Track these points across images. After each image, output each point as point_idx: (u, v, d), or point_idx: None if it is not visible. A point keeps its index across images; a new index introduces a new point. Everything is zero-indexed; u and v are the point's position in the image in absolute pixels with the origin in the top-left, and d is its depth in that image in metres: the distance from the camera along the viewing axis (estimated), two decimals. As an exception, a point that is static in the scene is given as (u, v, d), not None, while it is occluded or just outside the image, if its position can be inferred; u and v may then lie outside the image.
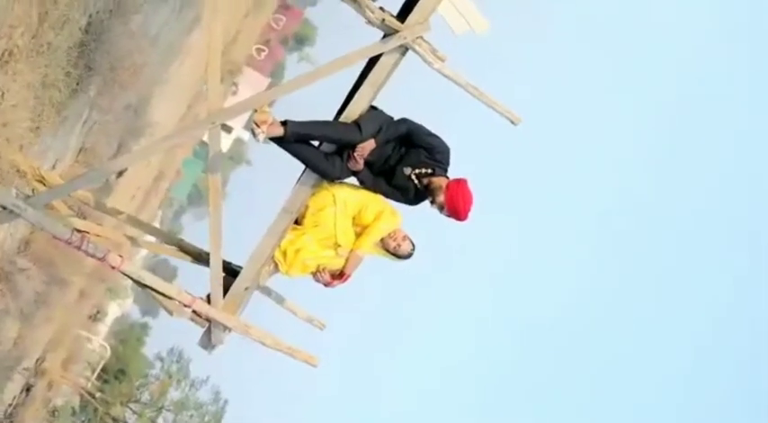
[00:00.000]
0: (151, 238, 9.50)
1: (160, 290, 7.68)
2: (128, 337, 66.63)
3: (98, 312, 44.34)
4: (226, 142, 78.68)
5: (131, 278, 7.70)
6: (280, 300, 8.78)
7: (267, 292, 8.57)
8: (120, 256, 7.66)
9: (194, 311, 7.76)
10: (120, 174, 20.60)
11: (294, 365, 8.09)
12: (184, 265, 8.91)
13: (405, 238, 8.07)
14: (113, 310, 60.28)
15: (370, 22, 7.35)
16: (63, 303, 20.38)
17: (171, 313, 7.70)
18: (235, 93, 55.78)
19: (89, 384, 43.07)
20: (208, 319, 7.78)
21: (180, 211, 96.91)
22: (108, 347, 46.48)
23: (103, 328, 56.61)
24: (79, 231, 7.84)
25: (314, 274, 8.03)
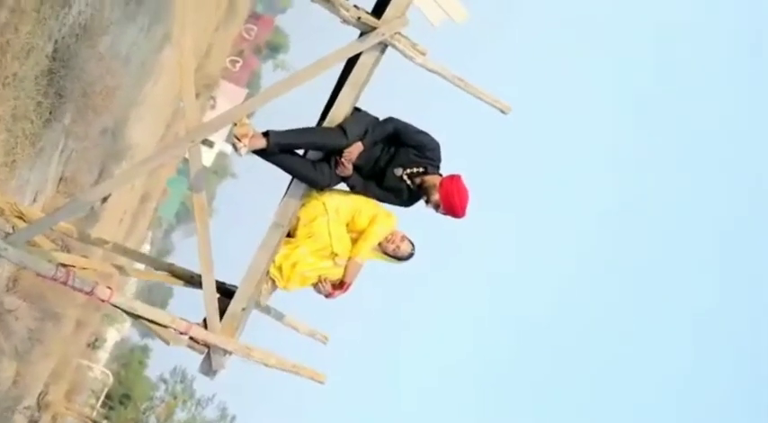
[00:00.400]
0: (140, 266, 9.19)
1: (154, 319, 7.38)
2: (129, 361, 66.35)
3: (96, 340, 44.01)
4: (209, 157, 78.41)
5: (122, 310, 7.39)
6: (279, 316, 8.53)
7: (266, 309, 8.31)
8: (109, 288, 7.36)
9: (191, 338, 7.46)
10: (104, 200, 20.23)
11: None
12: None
13: (403, 238, 7.82)
14: (112, 336, 59.89)
15: (345, 20, 7.08)
16: (59, 336, 20.07)
17: (168, 342, 7.40)
18: (213, 107, 55.50)
19: (94, 413, 42.77)
20: (206, 345, 7.49)
21: (169, 229, 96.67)
22: (110, 374, 46.19)
23: (104, 354, 56.26)
24: (64, 266, 7.55)
25: (315, 286, 7.76)
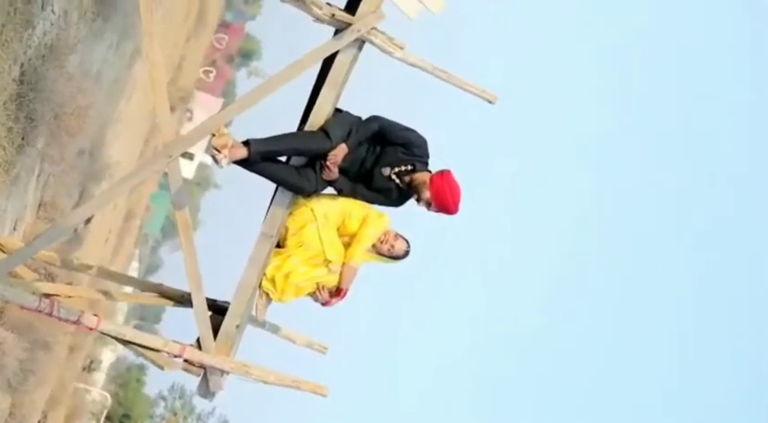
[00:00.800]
0: (128, 288, 8.92)
1: (145, 344, 7.10)
2: (126, 380, 65.95)
3: (92, 362, 43.60)
4: (190, 169, 78.12)
5: (111, 337, 7.11)
6: (275, 329, 8.27)
7: (260, 323, 8.03)
8: (96, 316, 7.08)
9: (186, 360, 7.19)
10: (87, 221, 19.96)
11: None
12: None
13: (396, 237, 7.59)
14: (107, 357, 59.45)
15: (318, 19, 6.82)
16: (53, 363, 19.75)
17: (162, 368, 7.13)
18: (190, 118, 55.27)
19: (96, 436, 42.44)
20: (202, 366, 7.21)
21: (156, 245, 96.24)
22: (108, 396, 45.84)
23: (100, 376, 55.84)
24: (48, 296, 7.27)
25: (312, 294, 7.51)
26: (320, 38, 7.10)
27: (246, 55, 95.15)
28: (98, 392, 45.53)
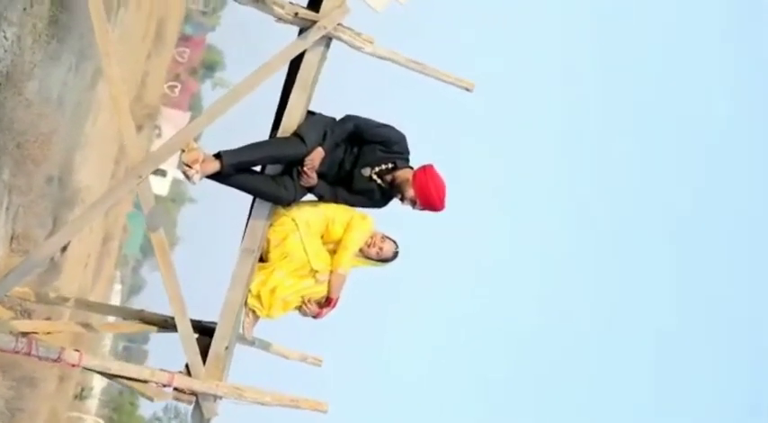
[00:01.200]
0: (110, 318, 8.58)
1: (132, 376, 6.77)
2: (120, 404, 65.39)
3: (83, 389, 43.14)
4: (163, 186, 77.65)
5: (97, 372, 6.78)
6: (265, 346, 7.99)
7: (250, 341, 7.71)
8: (78, 351, 6.75)
9: (176, 389, 6.86)
10: (63, 249, 19.62)
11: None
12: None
13: (383, 239, 7.32)
14: (99, 383, 58.91)
15: (281, 19, 6.52)
16: (42, 397, 19.38)
17: (151, 399, 6.80)
18: (159, 135, 54.77)
19: (94, 463, 42.03)
20: (194, 393, 6.88)
21: (137, 265, 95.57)
22: (102, 422, 45.41)
23: (93, 402, 55.34)
24: (26, 334, 6.94)
25: (300, 309, 7.19)
26: (285, 39, 6.81)
27: (210, 66, 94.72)
28: (92, 419, 45.11)
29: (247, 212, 7.13)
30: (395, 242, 7.34)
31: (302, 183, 6.86)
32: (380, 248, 7.24)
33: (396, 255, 7.36)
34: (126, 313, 8.19)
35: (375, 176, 7.09)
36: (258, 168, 6.90)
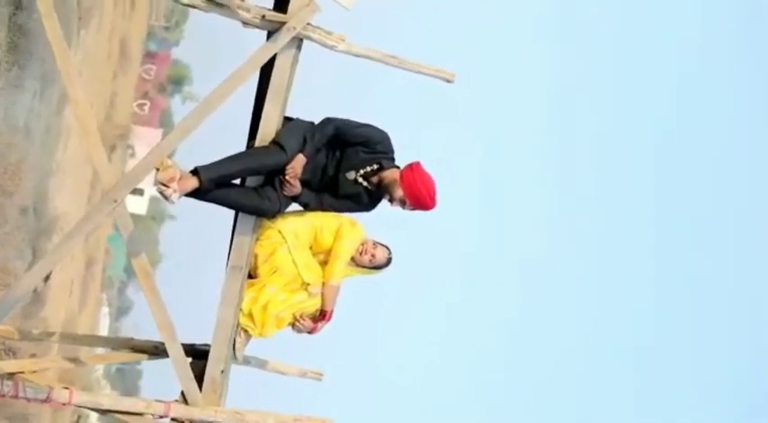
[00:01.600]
0: (99, 349, 8.27)
1: (125, 410, 6.47)
2: (119, 428, 65.00)
3: (79, 417, 42.74)
4: (142, 205, 77.09)
5: (89, 408, 6.48)
6: (262, 364, 7.70)
7: (245, 360, 7.42)
8: (68, 388, 6.44)
9: (174, 419, 6.57)
10: (46, 279, 19.29)
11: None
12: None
13: (375, 245, 7.05)
14: (95, 409, 58.52)
15: (247, 23, 6.24)
16: (38, 430, 19.04)
17: (148, 432, 6.50)
18: (133, 155, 54.35)
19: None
20: (192, 422, 6.58)
21: (122, 286, 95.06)
22: (102, 448, 44.99)
23: (91, 427, 54.95)
24: (11, 375, 6.64)
25: (293, 325, 6.90)
26: (253, 45, 6.52)
27: (177, 81, 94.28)
28: (92, 447, 44.68)
29: (231, 225, 6.85)
30: (387, 248, 7.08)
31: (286, 192, 6.58)
32: (373, 255, 6.97)
33: (389, 261, 7.10)
34: (114, 343, 7.90)
35: (361, 179, 6.82)
36: (238, 181, 6.62)
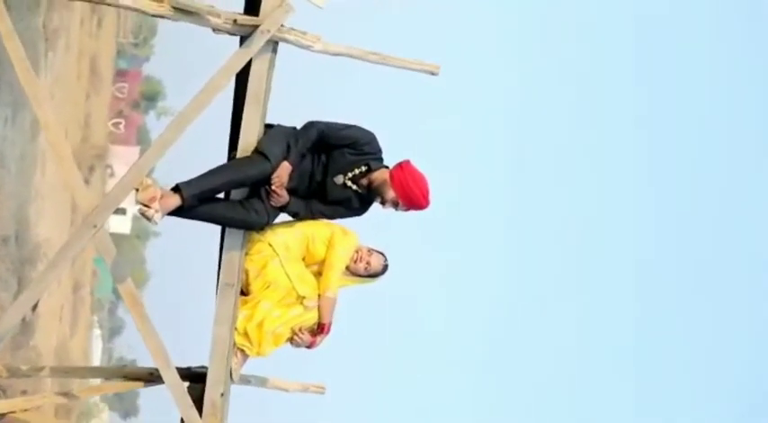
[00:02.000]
0: (93, 380, 8.01)
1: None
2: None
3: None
4: (125, 224, 76.70)
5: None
6: (262, 382, 7.45)
7: (245, 380, 7.16)
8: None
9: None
10: (33, 308, 19.03)
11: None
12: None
13: (370, 252, 6.79)
14: (94, 430, 58.29)
15: (218, 29, 5.97)
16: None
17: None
18: (112, 175, 54.04)
19: None
20: (196, 450, 6.31)
21: (113, 307, 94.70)
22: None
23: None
24: (2, 416, 6.35)
25: (291, 340, 6.63)
26: (226, 53, 6.25)
27: (151, 97, 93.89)
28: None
29: (218, 238, 6.60)
30: (383, 254, 6.83)
31: (273, 203, 6.33)
32: (368, 263, 6.71)
33: (385, 268, 6.84)
34: (108, 373, 7.65)
35: (349, 183, 6.56)
36: (222, 195, 6.35)
